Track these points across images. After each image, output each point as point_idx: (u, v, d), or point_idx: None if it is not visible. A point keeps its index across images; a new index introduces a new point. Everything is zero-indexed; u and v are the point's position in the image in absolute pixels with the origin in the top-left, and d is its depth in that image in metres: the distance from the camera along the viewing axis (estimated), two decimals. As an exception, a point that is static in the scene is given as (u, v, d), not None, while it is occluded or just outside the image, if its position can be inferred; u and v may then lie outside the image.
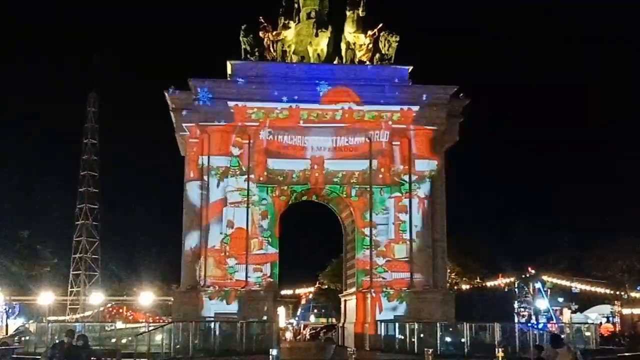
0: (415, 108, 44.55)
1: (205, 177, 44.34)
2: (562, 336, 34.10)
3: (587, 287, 71.98)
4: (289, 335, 59.49)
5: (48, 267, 79.96)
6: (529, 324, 57.46)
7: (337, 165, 44.91)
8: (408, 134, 45.13)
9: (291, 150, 44.74)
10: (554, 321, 63.18)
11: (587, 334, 42.51)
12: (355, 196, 45.16)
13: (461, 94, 46.17)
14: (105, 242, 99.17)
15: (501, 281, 73.73)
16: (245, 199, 43.97)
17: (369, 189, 44.84)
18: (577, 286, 71.48)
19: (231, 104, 43.77)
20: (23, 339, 49.89)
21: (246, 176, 44.19)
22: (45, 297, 73.19)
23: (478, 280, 78.02)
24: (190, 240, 44.54)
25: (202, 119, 44.17)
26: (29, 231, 75.66)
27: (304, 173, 44.74)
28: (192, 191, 44.92)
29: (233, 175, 44.09)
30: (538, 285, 69.85)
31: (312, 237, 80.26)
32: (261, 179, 44.02)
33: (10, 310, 70.93)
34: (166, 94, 45.18)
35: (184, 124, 45.32)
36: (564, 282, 72.39)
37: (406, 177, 44.94)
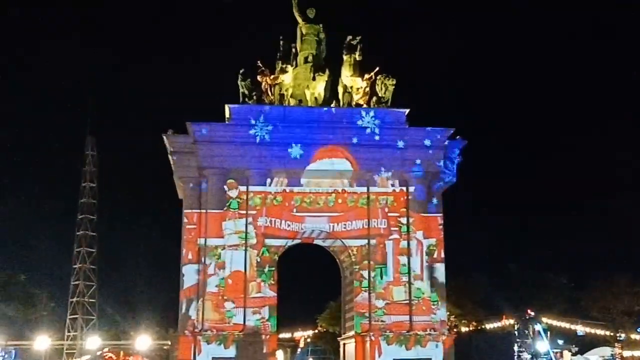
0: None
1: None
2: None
3: (587, 329, 71.53)
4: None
5: (45, 311, 79.44)
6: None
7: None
8: (406, 180, 45.47)
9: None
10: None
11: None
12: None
13: (458, 136, 46.52)
14: (103, 286, 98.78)
15: (500, 323, 73.31)
16: (243, 241, 43.94)
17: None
18: (581, 328, 71.01)
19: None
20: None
21: (244, 219, 44.22)
22: (42, 342, 72.59)
23: (477, 322, 77.55)
24: (188, 284, 44.33)
25: (199, 164, 44.42)
26: (26, 275, 75.31)
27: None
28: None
29: (231, 218, 44.13)
30: (538, 327, 69.43)
31: (310, 279, 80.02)
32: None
33: (6, 356, 70.28)
34: (164, 137, 45.39)
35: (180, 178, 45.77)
36: (564, 324, 71.97)
37: (404, 220, 45.08)
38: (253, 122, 44.96)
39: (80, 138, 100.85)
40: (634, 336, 69.64)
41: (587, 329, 71.41)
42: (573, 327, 71.40)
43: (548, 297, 75.86)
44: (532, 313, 69.87)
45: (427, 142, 45.54)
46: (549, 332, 69.27)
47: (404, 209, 45.30)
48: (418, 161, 45.34)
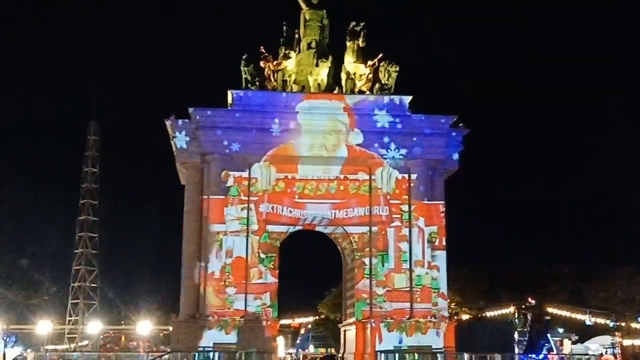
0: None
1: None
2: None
3: (585, 317, 71.54)
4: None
5: (47, 295, 79.72)
6: (529, 355, 57.15)
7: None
8: (409, 168, 45.42)
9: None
10: (554, 352, 62.73)
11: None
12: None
13: (461, 124, 46.40)
14: (104, 271, 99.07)
15: (501, 311, 73.35)
16: (245, 228, 43.96)
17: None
18: (583, 317, 70.92)
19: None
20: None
21: (245, 205, 44.24)
22: (43, 326, 72.81)
23: (478, 310, 77.64)
24: (190, 269, 44.38)
25: (201, 149, 44.39)
26: (28, 260, 75.49)
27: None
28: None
29: (233, 204, 44.14)
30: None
31: (311, 265, 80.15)
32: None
33: (7, 339, 70.51)
34: (167, 122, 45.33)
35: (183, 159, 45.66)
36: (564, 313, 71.98)
37: (405, 207, 45.08)
38: (255, 107, 44.90)
39: (83, 123, 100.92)
40: (634, 325, 69.64)
41: (586, 317, 71.38)
42: (577, 316, 71.38)
43: (550, 286, 75.93)
44: (533, 302, 69.80)
45: (430, 130, 45.45)
46: (549, 321, 69.19)
47: (406, 196, 45.27)
48: (420, 149, 45.25)
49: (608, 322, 69.81)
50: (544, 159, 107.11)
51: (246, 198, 44.40)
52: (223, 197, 44.24)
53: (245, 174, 44.66)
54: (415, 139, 45.23)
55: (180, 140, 45.25)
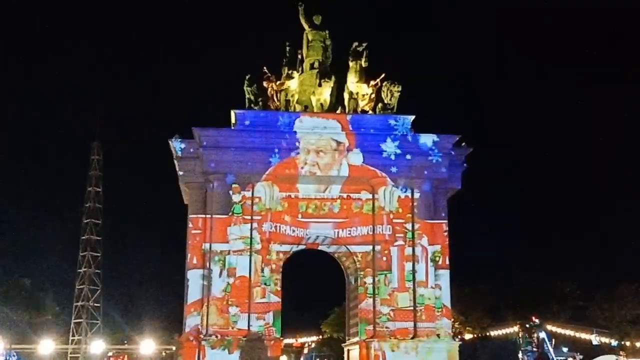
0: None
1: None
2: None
3: (591, 337, 71.39)
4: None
5: (49, 315, 79.62)
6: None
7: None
8: (412, 187, 45.51)
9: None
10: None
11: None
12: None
13: (463, 143, 46.56)
14: (108, 290, 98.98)
15: (505, 331, 73.23)
16: (248, 247, 44.00)
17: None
18: (589, 336, 70.67)
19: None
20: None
21: (249, 225, 44.30)
22: (46, 346, 72.72)
23: (481, 329, 77.48)
24: (192, 289, 44.35)
25: (205, 169, 44.54)
26: (31, 279, 75.53)
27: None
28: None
29: (236, 223, 44.22)
30: (542, 334, 69.26)
31: (315, 285, 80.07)
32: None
33: (9, 358, 70.39)
34: (170, 143, 45.52)
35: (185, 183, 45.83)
36: (568, 332, 71.85)
37: (409, 226, 45.13)
38: (258, 127, 45.10)
39: (86, 143, 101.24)
40: (639, 344, 69.44)
41: (593, 337, 71.21)
42: (582, 335, 71.21)
43: (554, 305, 75.78)
44: (537, 320, 69.69)
45: (433, 149, 45.54)
46: (553, 340, 69.08)
47: (409, 215, 45.34)
48: (423, 167, 45.36)
49: (612, 341, 69.71)
50: (546, 174, 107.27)
51: (249, 217, 44.48)
52: (226, 216, 44.32)
53: (248, 194, 44.80)
54: (418, 158, 45.33)
55: (183, 160, 45.47)
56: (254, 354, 41.80)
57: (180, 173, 46.08)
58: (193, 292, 44.14)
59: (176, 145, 45.37)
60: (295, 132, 45.05)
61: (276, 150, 44.70)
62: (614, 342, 69.88)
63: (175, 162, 46.12)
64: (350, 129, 45.47)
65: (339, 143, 45.06)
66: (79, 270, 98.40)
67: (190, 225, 45.37)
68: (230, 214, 44.31)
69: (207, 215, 44.79)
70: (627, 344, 69.79)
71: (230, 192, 44.56)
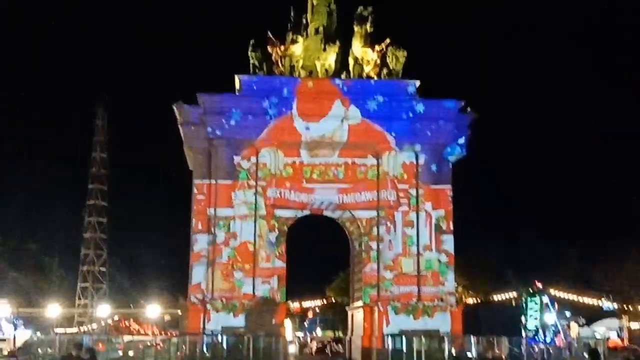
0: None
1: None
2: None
3: (594, 301, 71.76)
4: (292, 349, 59.23)
5: (55, 279, 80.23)
6: (537, 339, 57.39)
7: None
8: (416, 152, 45.52)
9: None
10: (562, 335, 62.95)
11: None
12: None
13: (469, 108, 46.42)
14: (113, 255, 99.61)
15: (508, 295, 73.60)
16: (253, 212, 44.19)
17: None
18: (605, 302, 70.85)
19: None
20: (31, 351, 49.99)
21: (253, 190, 44.45)
22: (53, 309, 73.34)
23: (485, 294, 77.87)
24: (198, 253, 44.61)
25: (209, 134, 44.57)
26: (37, 244, 75.95)
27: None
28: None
29: (241, 188, 44.35)
30: (545, 299, 69.63)
31: (319, 250, 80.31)
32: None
33: (17, 323, 71.08)
34: (174, 108, 45.50)
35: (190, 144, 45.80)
36: (572, 296, 72.17)
37: (413, 191, 45.23)
38: (262, 93, 45.03)
39: (92, 108, 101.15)
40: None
41: (599, 302, 71.59)
42: (585, 300, 71.56)
43: (557, 269, 76.09)
44: (540, 285, 69.97)
45: (437, 114, 45.50)
46: (556, 304, 69.41)
47: (414, 181, 45.40)
48: (428, 133, 45.37)
49: (614, 305, 70.08)
50: (553, 138, 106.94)
51: (254, 183, 44.62)
52: (231, 181, 44.46)
53: (253, 159, 44.86)
54: (422, 123, 45.31)
55: (187, 126, 45.52)
56: (259, 318, 42.16)
57: (185, 139, 46.14)
58: (198, 257, 44.44)
59: (180, 110, 45.37)
60: (297, 97, 44.97)
61: (280, 115, 44.69)
62: (614, 305, 70.29)
63: (180, 127, 46.15)
64: (355, 94, 45.37)
65: (342, 109, 45.01)
66: (85, 235, 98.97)
67: (195, 190, 45.51)
68: (234, 179, 44.44)
69: (212, 181, 44.94)
70: (630, 308, 70.14)
71: (235, 157, 44.64)
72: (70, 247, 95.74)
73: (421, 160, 45.59)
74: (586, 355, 33.41)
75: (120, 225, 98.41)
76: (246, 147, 44.71)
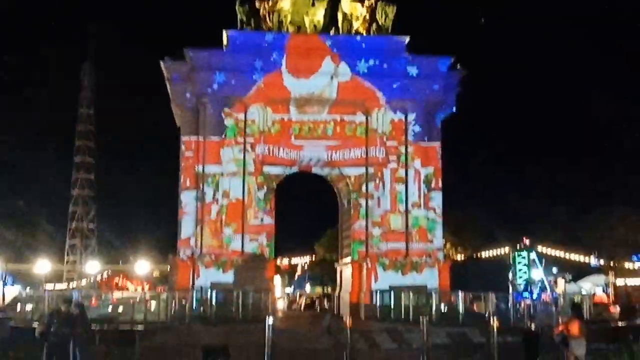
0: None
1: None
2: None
3: (581, 258, 72.38)
4: (281, 304, 59.65)
5: (44, 236, 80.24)
6: (524, 294, 57.95)
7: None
8: (405, 109, 45.33)
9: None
10: (548, 291, 63.62)
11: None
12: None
13: (458, 65, 46.18)
14: (101, 212, 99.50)
15: (496, 252, 74.13)
16: (241, 169, 44.08)
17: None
18: (595, 258, 71.29)
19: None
20: (20, 306, 50.12)
21: (242, 147, 44.27)
22: (42, 266, 73.41)
23: (473, 250, 78.43)
24: (186, 210, 44.59)
25: (197, 91, 44.23)
26: (25, 201, 75.80)
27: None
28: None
29: (229, 145, 44.17)
30: (533, 255, 70.20)
31: (308, 207, 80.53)
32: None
33: (6, 279, 71.16)
34: (162, 64, 45.06)
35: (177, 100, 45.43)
36: (559, 253, 72.75)
37: (402, 149, 45.18)
38: (250, 49, 44.60)
39: (78, 65, 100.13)
40: (627, 265, 70.49)
41: (582, 258, 72.22)
42: (572, 256, 72.13)
43: (545, 227, 76.63)
44: (528, 242, 70.50)
45: (427, 71, 45.26)
46: (543, 261, 70.02)
47: (403, 138, 45.33)
48: (417, 90, 45.13)
49: (601, 262, 70.74)
50: (542, 97, 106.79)
51: (242, 139, 44.43)
52: (219, 138, 44.25)
53: (241, 116, 44.62)
54: (411, 80, 45.09)
55: (175, 82, 45.14)
56: (248, 274, 42.31)
57: (172, 95, 45.78)
58: (187, 214, 44.44)
59: (168, 66, 44.94)
60: (287, 53, 44.60)
61: (268, 71, 44.35)
62: (599, 262, 70.97)
63: (167, 83, 45.77)
64: (345, 50, 45.03)
65: (332, 65, 44.72)
66: (73, 192, 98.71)
67: (182, 147, 45.33)
68: (222, 136, 44.23)
69: (200, 138, 44.73)
70: (616, 264, 70.79)
71: (222, 114, 44.37)
72: (58, 204, 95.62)
73: (410, 117, 45.46)
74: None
75: (109, 182, 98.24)
76: (234, 104, 44.43)
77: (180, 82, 45.01)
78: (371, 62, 44.94)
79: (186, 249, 44.04)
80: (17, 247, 74.55)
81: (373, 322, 39.78)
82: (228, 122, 44.38)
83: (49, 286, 73.44)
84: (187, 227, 44.41)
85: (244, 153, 44.27)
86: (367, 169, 45.47)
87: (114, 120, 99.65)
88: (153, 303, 38.75)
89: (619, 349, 26.69)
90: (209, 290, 40.09)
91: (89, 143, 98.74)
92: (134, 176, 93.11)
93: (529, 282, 68.48)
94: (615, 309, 51.06)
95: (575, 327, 20.79)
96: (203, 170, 44.22)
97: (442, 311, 39.59)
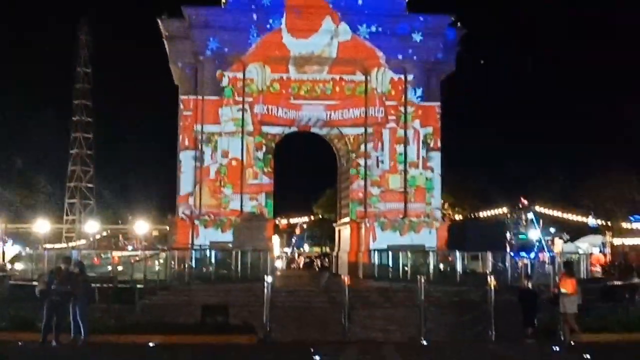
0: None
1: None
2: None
3: (578, 218, 72.51)
4: (280, 264, 59.94)
5: (43, 195, 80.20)
6: (521, 254, 58.16)
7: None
8: (405, 69, 45.09)
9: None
10: (545, 251, 63.86)
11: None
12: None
13: (458, 24, 45.82)
14: (100, 171, 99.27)
15: (494, 212, 74.23)
16: (240, 129, 43.97)
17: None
18: (593, 219, 71.37)
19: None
20: (20, 265, 50.31)
21: (240, 106, 44.10)
22: (41, 225, 73.49)
23: (471, 210, 78.57)
24: (185, 170, 44.59)
25: (195, 49, 43.93)
26: (23, 160, 75.64)
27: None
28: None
29: (227, 105, 43.99)
30: (530, 215, 70.35)
31: (306, 166, 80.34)
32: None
33: (5, 238, 71.27)
34: (159, 22, 44.68)
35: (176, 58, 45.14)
36: (557, 214, 72.87)
37: (401, 108, 45.03)
38: (249, 7, 44.19)
39: (75, 22, 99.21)
40: (624, 224, 70.64)
41: (580, 218, 72.37)
42: (569, 216, 72.27)
43: (543, 187, 76.63)
44: (526, 202, 70.59)
45: (427, 30, 44.91)
46: (541, 221, 70.17)
47: (402, 97, 45.15)
48: (416, 49, 44.81)
49: (598, 221, 70.85)
50: (541, 63, 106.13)
51: (241, 99, 44.24)
52: (217, 97, 44.07)
53: (239, 75, 44.36)
54: (411, 39, 44.76)
55: (173, 40, 44.83)
56: (247, 233, 42.47)
57: (170, 53, 45.48)
58: (185, 174, 44.47)
59: (166, 24, 44.57)
60: (286, 12, 44.20)
61: (267, 29, 44.00)
62: (596, 222, 71.09)
63: (165, 42, 45.44)
64: (345, 9, 44.63)
65: (330, 24, 44.34)
66: (71, 152, 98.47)
67: (181, 106, 45.20)
68: (221, 95, 44.02)
69: (198, 97, 44.55)
70: (613, 224, 70.92)
71: (221, 73, 44.08)
72: (57, 163, 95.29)
73: (410, 77, 45.24)
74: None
75: (107, 141, 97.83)
76: (233, 63, 44.17)
77: (179, 41, 44.68)
78: (371, 21, 44.58)
79: (185, 208, 44.12)
80: (16, 207, 74.50)
81: (371, 281, 40.03)
82: (226, 81, 44.11)
83: (49, 246, 73.65)
84: (185, 187, 44.49)
85: (243, 113, 44.12)
86: (366, 129, 45.39)
87: (112, 79, 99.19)
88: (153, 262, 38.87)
89: (614, 307, 26.89)
90: (208, 250, 40.29)
91: (86, 102, 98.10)
92: (133, 135, 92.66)
93: (526, 242, 68.72)
94: (596, 268, 51.43)
95: (567, 284, 20.90)
96: (202, 129, 44.12)
97: (440, 270, 39.82)
